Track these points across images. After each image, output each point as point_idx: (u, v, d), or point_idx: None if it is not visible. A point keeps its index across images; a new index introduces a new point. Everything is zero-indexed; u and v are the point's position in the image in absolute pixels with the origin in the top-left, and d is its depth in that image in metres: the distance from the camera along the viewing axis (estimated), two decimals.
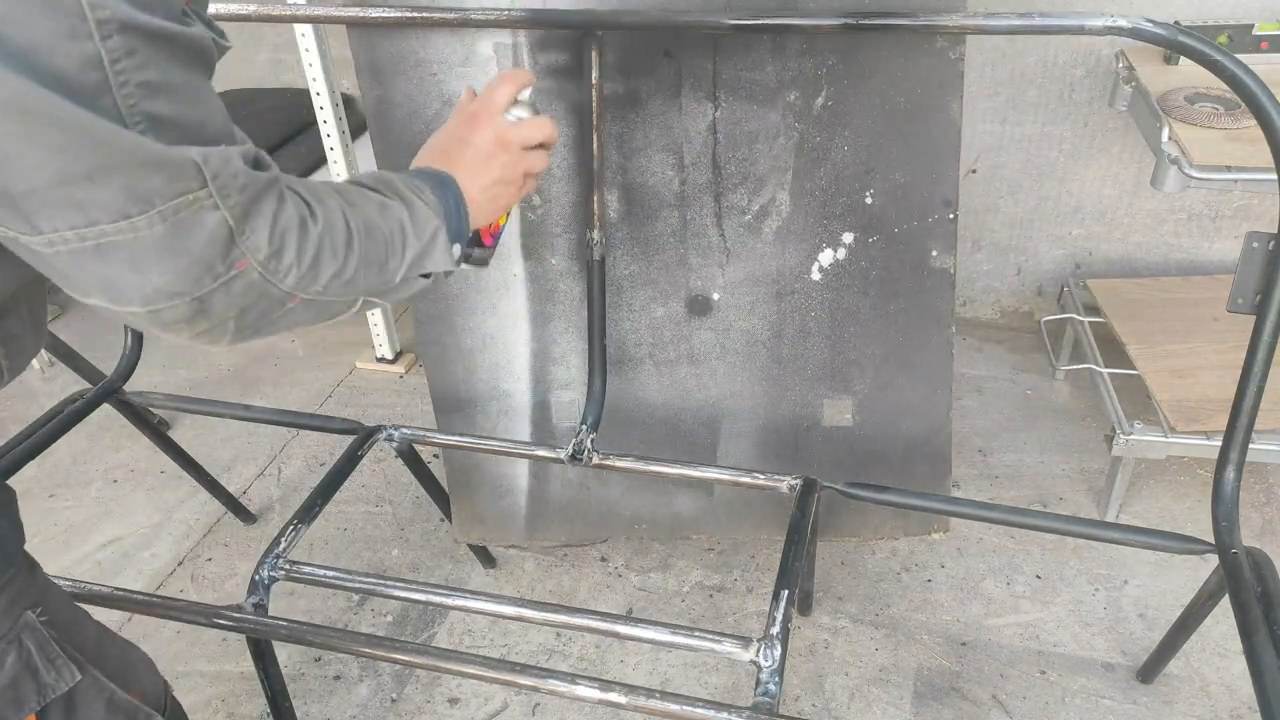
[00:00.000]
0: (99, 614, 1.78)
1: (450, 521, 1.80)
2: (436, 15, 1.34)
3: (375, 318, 2.40)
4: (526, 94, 1.04)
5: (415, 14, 1.35)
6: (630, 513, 1.75)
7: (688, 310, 1.55)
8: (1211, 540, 1.23)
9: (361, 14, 1.38)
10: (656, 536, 1.78)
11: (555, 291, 1.57)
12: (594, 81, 1.35)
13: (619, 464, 1.45)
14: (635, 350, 1.60)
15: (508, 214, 1.07)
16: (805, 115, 1.40)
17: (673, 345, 1.59)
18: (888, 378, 1.56)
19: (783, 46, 1.35)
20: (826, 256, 1.49)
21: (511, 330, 1.61)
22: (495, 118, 1.00)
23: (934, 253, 1.46)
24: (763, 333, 1.56)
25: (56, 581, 1.23)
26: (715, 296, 1.54)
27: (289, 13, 1.46)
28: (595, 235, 1.43)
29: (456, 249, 0.91)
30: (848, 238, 1.47)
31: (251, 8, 1.39)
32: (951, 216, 1.43)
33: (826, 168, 1.43)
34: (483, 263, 1.04)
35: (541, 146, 1.03)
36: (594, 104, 1.36)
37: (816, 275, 1.50)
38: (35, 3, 0.54)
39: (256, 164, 0.69)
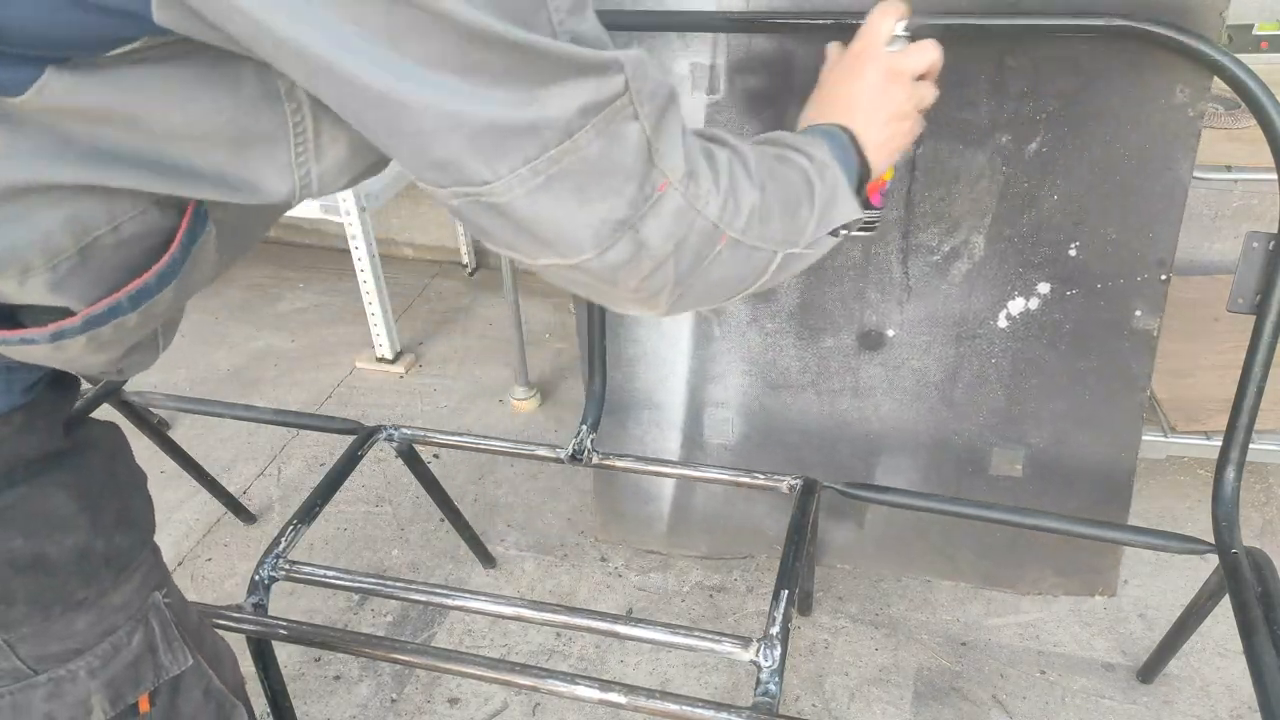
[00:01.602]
0: None
1: (449, 522, 1.81)
2: None
3: (375, 317, 2.40)
4: (901, 26, 0.96)
5: None
6: (775, 532, 1.69)
7: (858, 343, 1.51)
8: (1211, 540, 1.23)
9: None
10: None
11: (720, 312, 1.56)
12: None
13: (619, 464, 1.45)
14: (799, 377, 1.57)
15: (894, 169, 0.99)
16: (1015, 160, 1.33)
17: (838, 376, 1.55)
18: (1067, 435, 1.50)
19: (1003, 86, 1.29)
20: (1017, 305, 1.43)
21: (672, 347, 1.61)
22: (879, 51, 0.93)
23: (1138, 313, 1.39)
24: (936, 374, 1.51)
25: None
26: (890, 333, 1.50)
27: None
28: None
29: (859, 198, 0.86)
30: (1043, 288, 1.41)
31: None
32: (1164, 278, 1.35)
33: (1031, 215, 1.36)
34: (872, 227, 0.96)
35: (924, 77, 0.95)
36: None
37: (1003, 323, 1.44)
38: None
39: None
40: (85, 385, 1.73)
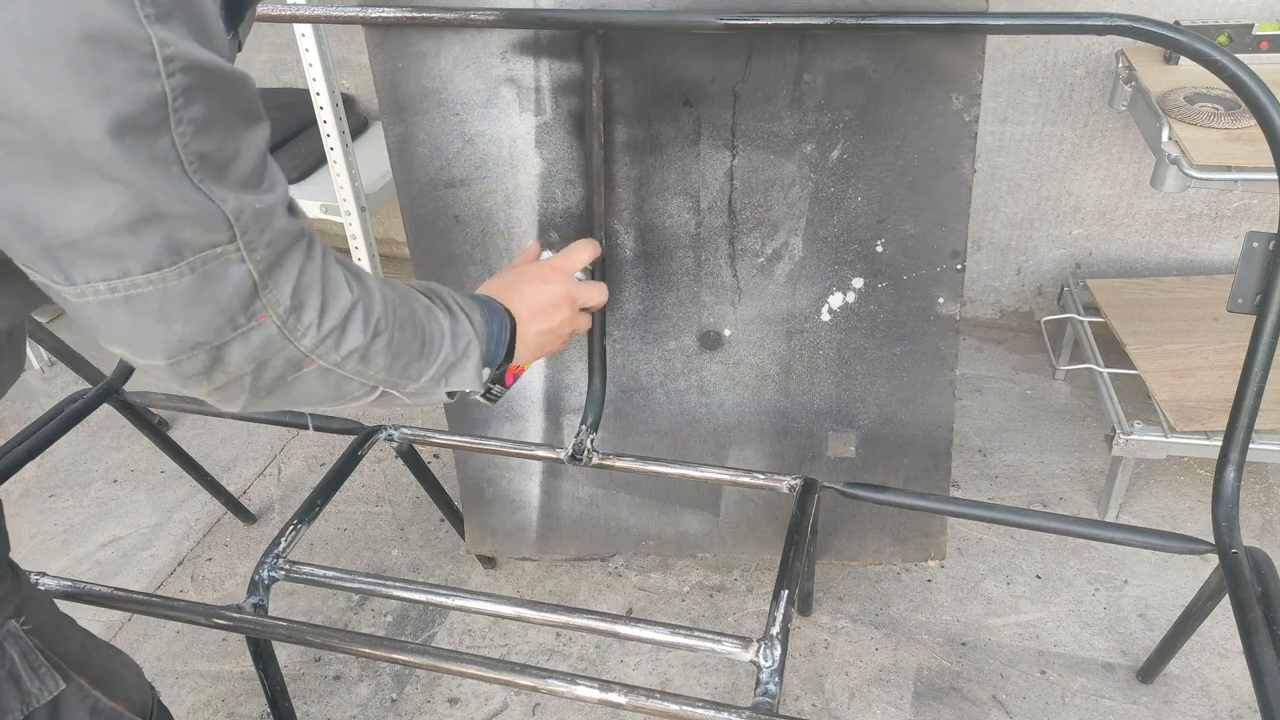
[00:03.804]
0: (99, 614, 1.78)
1: (450, 523, 1.81)
2: (436, 15, 1.35)
3: None
4: (590, 262, 1.20)
5: (416, 14, 1.35)
6: (638, 530, 1.77)
7: (699, 344, 1.59)
8: (1211, 540, 1.23)
9: (361, 14, 1.38)
10: (663, 553, 1.82)
11: None
12: (595, 80, 1.35)
13: (619, 464, 1.45)
14: (648, 379, 1.63)
15: (530, 366, 1.14)
16: (820, 167, 1.44)
17: (683, 376, 1.63)
18: (891, 414, 1.60)
19: (801, 100, 1.40)
20: (836, 299, 1.53)
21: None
22: (569, 277, 1.11)
23: (940, 300, 1.50)
24: (771, 368, 1.60)
25: (58, 580, 1.24)
26: (726, 332, 1.58)
27: (289, 13, 1.46)
28: (598, 233, 1.43)
29: (486, 372, 0.94)
30: (857, 283, 1.51)
31: None
32: (959, 267, 1.47)
33: (839, 216, 1.47)
34: (495, 399, 1.07)
35: (586, 309, 1.14)
36: (595, 103, 1.36)
37: (826, 316, 1.54)
38: (108, 45, 0.52)
39: (289, 210, 0.69)
40: (85, 385, 1.73)
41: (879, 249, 1.48)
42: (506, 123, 1.47)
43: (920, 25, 1.23)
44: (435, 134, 1.49)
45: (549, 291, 1.07)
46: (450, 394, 0.89)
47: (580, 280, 1.15)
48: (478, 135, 1.48)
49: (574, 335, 1.15)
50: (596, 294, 1.16)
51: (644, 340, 1.61)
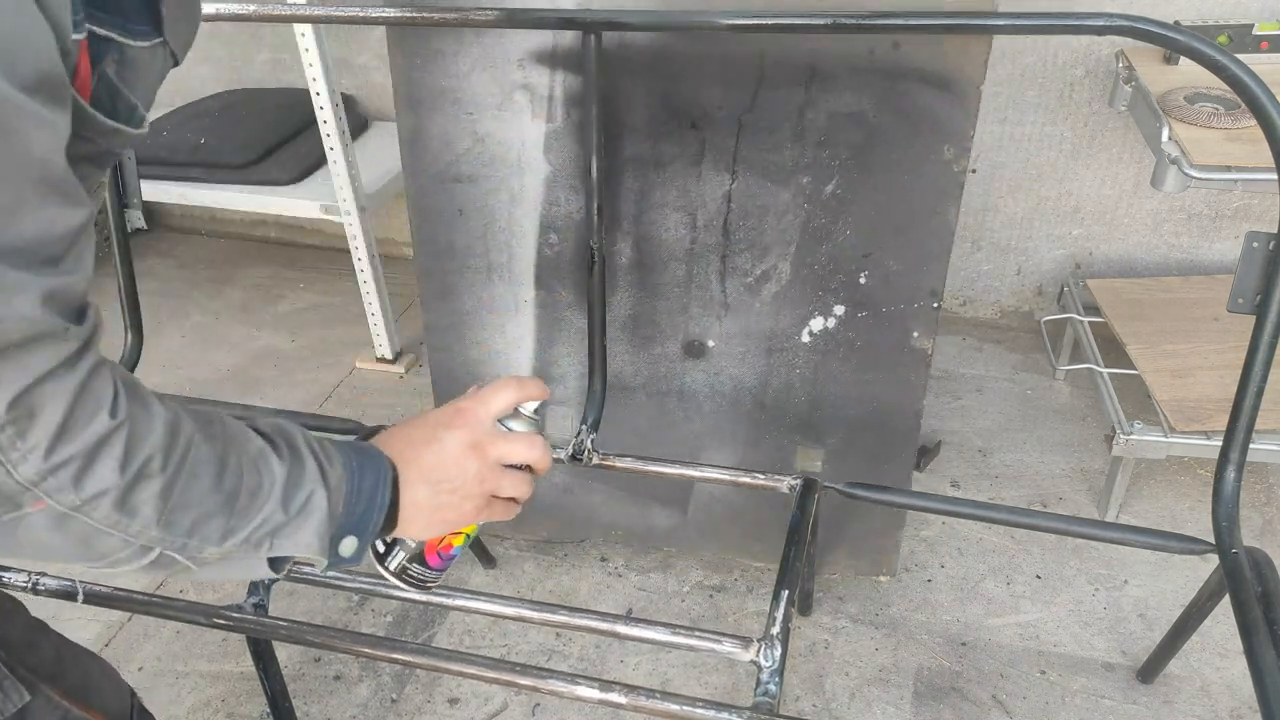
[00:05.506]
0: (99, 614, 1.77)
1: None
2: (436, 15, 1.35)
3: (375, 317, 2.40)
4: (531, 407, 0.87)
5: (415, 14, 1.35)
6: (609, 519, 1.85)
7: (683, 352, 1.66)
8: (1211, 540, 1.23)
9: (360, 13, 1.38)
10: (630, 544, 1.88)
11: (561, 320, 1.66)
12: (594, 80, 1.35)
13: (618, 464, 1.45)
14: (632, 380, 1.70)
15: (466, 537, 0.87)
16: (814, 199, 1.49)
17: (665, 380, 1.69)
18: (857, 436, 1.66)
19: (802, 135, 1.44)
20: (817, 323, 1.59)
21: (516, 350, 1.71)
22: (480, 421, 0.82)
23: (915, 334, 1.56)
24: (750, 381, 1.66)
25: (58, 580, 1.23)
26: (710, 343, 1.64)
27: (289, 13, 1.46)
28: (596, 237, 1.43)
29: (350, 542, 0.75)
30: (839, 310, 1.57)
31: (251, 8, 1.39)
32: (935, 305, 1.53)
33: (827, 247, 1.52)
34: (421, 585, 0.87)
35: (528, 469, 0.84)
36: (594, 103, 1.36)
37: (806, 338, 1.60)
38: None
39: (80, 314, 0.59)
40: None
41: (862, 280, 1.53)
42: (518, 126, 1.50)
43: (919, 25, 1.23)
44: (448, 130, 1.52)
45: (445, 441, 0.80)
46: (275, 564, 0.72)
47: (499, 431, 0.83)
48: (488, 135, 1.52)
49: (504, 503, 0.84)
50: (527, 448, 0.82)
51: (630, 343, 1.66)
